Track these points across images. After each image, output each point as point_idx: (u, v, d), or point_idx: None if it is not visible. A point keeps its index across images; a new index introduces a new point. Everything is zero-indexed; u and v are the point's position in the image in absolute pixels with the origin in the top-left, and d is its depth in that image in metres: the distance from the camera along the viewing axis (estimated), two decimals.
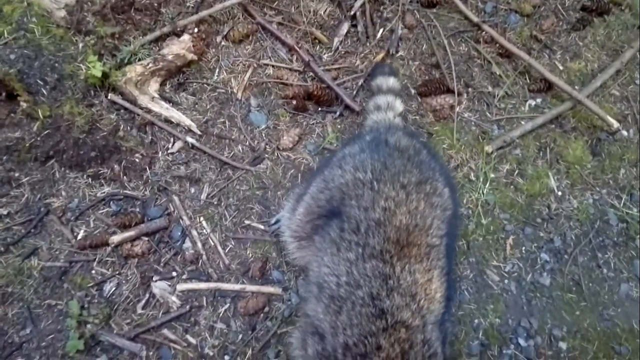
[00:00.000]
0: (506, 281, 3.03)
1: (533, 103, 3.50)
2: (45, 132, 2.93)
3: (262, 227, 3.05)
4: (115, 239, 2.87)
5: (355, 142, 2.68)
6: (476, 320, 2.93)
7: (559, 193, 3.27)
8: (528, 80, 3.55)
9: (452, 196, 2.48)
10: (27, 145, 2.92)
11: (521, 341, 2.88)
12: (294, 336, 2.40)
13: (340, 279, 2.12)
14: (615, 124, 3.30)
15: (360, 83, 3.45)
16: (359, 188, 2.30)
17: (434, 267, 2.16)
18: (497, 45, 3.56)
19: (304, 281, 2.76)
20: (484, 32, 3.57)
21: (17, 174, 2.94)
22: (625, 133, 3.43)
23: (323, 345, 2.08)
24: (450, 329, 2.31)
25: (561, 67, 3.61)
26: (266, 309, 2.85)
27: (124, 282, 2.86)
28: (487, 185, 3.22)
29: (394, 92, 3.20)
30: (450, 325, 2.32)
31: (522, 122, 3.40)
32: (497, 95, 3.48)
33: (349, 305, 2.04)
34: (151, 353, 2.71)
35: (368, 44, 3.57)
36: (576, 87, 3.50)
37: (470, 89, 3.49)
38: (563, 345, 2.90)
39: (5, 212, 2.89)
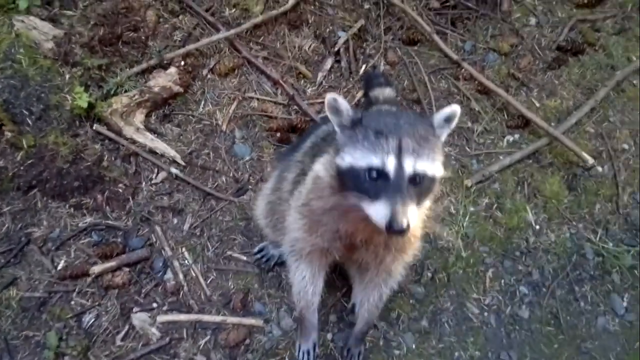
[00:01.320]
0: (486, 314, 3.06)
1: (511, 139, 3.60)
2: (29, 162, 2.94)
3: (244, 258, 3.06)
4: (96, 269, 2.86)
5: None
6: (456, 353, 2.94)
7: (537, 227, 3.34)
8: (506, 117, 3.65)
9: None
10: (10, 174, 2.92)
11: None
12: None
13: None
14: (591, 160, 3.40)
15: None
16: None
17: None
18: (476, 82, 3.67)
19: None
20: (463, 70, 3.69)
21: None
22: (600, 169, 3.52)
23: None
24: None
25: (538, 104, 3.72)
26: (247, 341, 2.84)
27: (103, 313, 2.83)
28: (466, 219, 3.27)
29: (390, 102, 3.25)
30: None
31: (501, 157, 3.49)
32: (476, 130, 3.57)
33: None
34: None
35: (351, 79, 3.66)
36: (552, 123, 3.60)
37: None
38: None
39: None
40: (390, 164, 1.67)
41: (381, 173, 1.68)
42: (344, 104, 1.82)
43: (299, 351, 2.70)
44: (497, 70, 3.78)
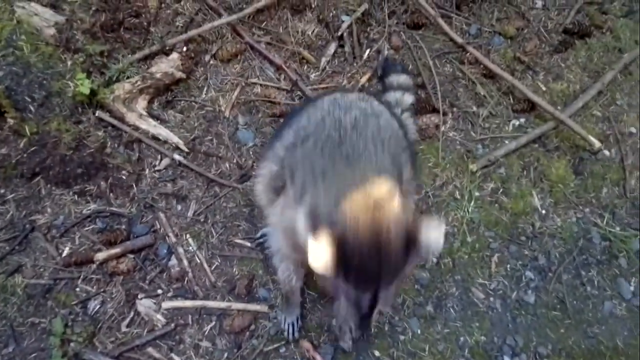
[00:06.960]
0: (491, 299, 3.05)
1: (517, 123, 3.56)
2: (32, 149, 2.93)
3: (248, 244, 3.05)
4: (101, 256, 2.86)
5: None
6: (462, 338, 2.93)
7: (543, 211, 3.31)
8: (512, 101, 3.61)
9: None
10: (14, 161, 2.91)
11: (507, 359, 2.89)
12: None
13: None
14: (597, 144, 3.36)
15: None
16: None
17: None
18: (482, 66, 3.63)
19: None
20: (468, 54, 3.64)
21: (2, 191, 2.93)
22: (607, 153, 3.49)
23: None
24: None
25: (544, 88, 3.68)
26: (252, 327, 2.84)
27: (108, 299, 2.84)
28: (472, 204, 3.25)
29: (404, 88, 3.28)
30: None
31: (506, 142, 3.46)
32: (482, 115, 3.54)
33: None
34: None
35: (355, 64, 3.62)
36: (559, 107, 3.56)
37: (455, 109, 3.55)
38: None
39: None
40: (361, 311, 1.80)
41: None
42: None
43: (285, 323, 2.83)
44: (503, 53, 3.73)
